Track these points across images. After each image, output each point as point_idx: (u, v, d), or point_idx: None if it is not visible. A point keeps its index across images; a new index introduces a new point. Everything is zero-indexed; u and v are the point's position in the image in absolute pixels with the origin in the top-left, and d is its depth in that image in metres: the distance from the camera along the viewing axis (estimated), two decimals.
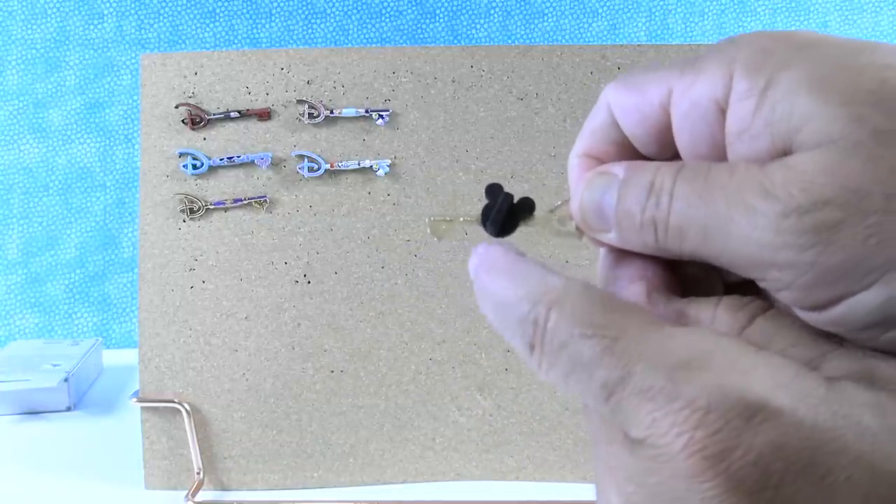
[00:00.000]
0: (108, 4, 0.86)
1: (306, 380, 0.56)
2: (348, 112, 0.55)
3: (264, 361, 0.56)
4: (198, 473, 0.55)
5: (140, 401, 0.55)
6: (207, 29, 0.87)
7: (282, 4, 0.87)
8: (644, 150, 0.22)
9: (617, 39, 0.89)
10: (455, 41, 0.89)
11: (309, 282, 0.56)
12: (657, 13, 0.89)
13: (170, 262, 0.55)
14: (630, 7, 0.89)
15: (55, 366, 0.72)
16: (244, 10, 0.87)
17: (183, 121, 0.55)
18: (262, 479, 0.56)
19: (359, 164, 0.55)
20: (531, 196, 0.25)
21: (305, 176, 0.55)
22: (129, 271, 0.88)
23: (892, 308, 0.17)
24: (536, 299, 0.20)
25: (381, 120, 0.55)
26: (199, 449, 0.55)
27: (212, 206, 0.55)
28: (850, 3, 0.90)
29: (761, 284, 0.19)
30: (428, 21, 0.88)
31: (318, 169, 0.55)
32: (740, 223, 0.18)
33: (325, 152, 0.56)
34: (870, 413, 0.17)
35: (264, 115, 0.55)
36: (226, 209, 0.56)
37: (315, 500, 0.55)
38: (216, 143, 0.55)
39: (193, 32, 0.87)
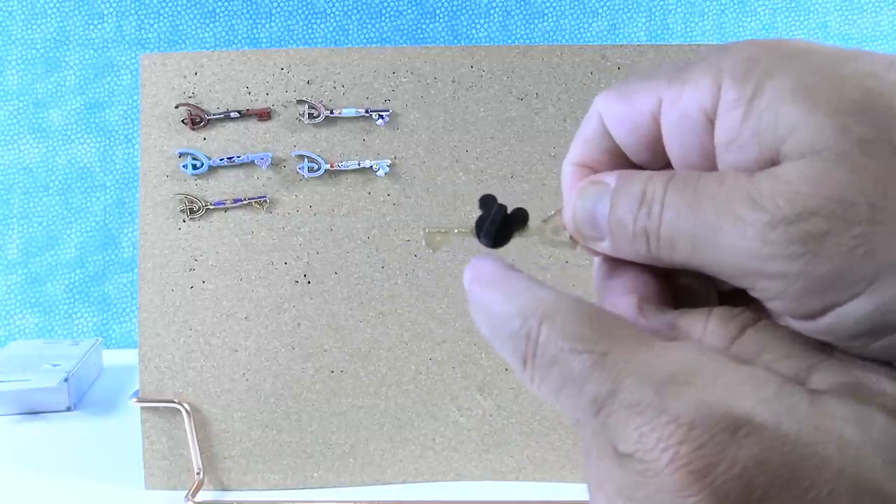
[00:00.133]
0: (108, 4, 0.86)
1: (306, 380, 0.56)
2: (348, 112, 0.55)
3: (264, 361, 0.56)
4: (198, 473, 0.55)
5: (140, 401, 0.56)
6: (207, 29, 0.87)
7: (282, 4, 0.87)
8: (636, 159, 0.23)
9: (617, 39, 0.89)
10: (455, 41, 0.89)
11: (309, 282, 0.56)
12: (657, 13, 0.89)
13: (170, 262, 0.55)
14: (630, 7, 0.89)
15: (55, 366, 0.72)
16: (244, 10, 0.87)
17: (183, 121, 0.55)
18: (262, 479, 0.56)
19: (359, 165, 0.55)
20: (531, 196, 0.25)
21: (305, 176, 0.55)
22: (129, 271, 0.88)
23: (881, 317, 0.17)
24: (528, 314, 0.20)
25: (381, 120, 0.55)
26: (199, 449, 0.55)
27: (212, 206, 0.55)
28: (850, 3, 0.90)
29: (752, 293, 0.19)
30: (428, 21, 0.89)
31: (318, 169, 0.55)
32: (729, 233, 0.18)
33: (325, 152, 0.56)
34: (852, 427, 0.17)
35: (264, 115, 0.55)
36: (226, 209, 0.56)
37: (315, 500, 0.55)
38: (216, 143, 0.55)
39: (193, 32, 0.87)
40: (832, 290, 0.17)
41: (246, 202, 0.55)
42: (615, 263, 0.22)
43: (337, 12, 0.88)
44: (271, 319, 0.56)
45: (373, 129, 0.56)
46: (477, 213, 0.25)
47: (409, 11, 0.88)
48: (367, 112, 0.55)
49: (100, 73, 0.86)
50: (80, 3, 0.85)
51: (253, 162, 0.55)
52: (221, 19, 0.87)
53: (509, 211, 0.25)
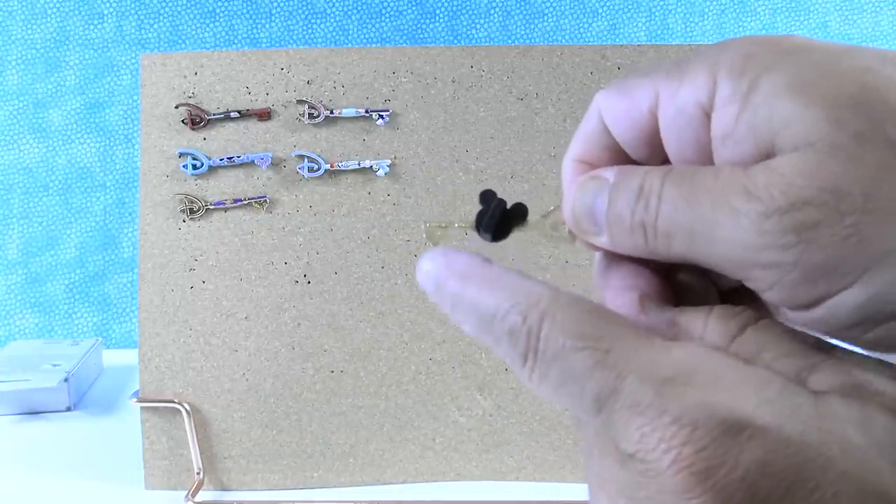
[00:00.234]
0: (108, 4, 0.86)
1: (306, 380, 0.56)
2: (348, 112, 0.55)
3: (264, 361, 0.56)
4: (198, 473, 0.55)
5: (140, 401, 0.55)
6: (207, 29, 0.87)
7: (282, 4, 0.87)
8: (635, 155, 0.23)
9: (617, 39, 0.89)
10: (455, 41, 0.89)
11: (309, 282, 0.56)
12: (657, 13, 0.89)
13: (170, 262, 0.55)
14: (630, 7, 0.89)
15: (55, 366, 0.72)
16: (244, 10, 0.87)
17: (183, 121, 0.55)
18: (262, 479, 0.56)
19: (359, 165, 0.55)
20: (531, 196, 0.25)
21: (305, 176, 0.55)
22: (129, 271, 0.88)
23: (874, 306, 0.17)
24: (525, 309, 0.20)
25: (381, 120, 0.55)
26: (199, 449, 0.55)
27: (212, 207, 0.55)
28: (850, 3, 0.90)
29: (748, 284, 0.19)
30: (428, 21, 0.89)
31: (318, 169, 0.55)
32: (725, 225, 0.18)
33: (325, 152, 0.56)
34: (855, 428, 0.17)
35: (264, 115, 0.55)
36: (226, 209, 0.56)
37: (315, 500, 0.55)
38: (216, 143, 0.55)
39: (193, 32, 0.87)
40: (826, 279, 0.17)
41: (246, 202, 0.55)
42: (616, 260, 0.22)
43: (337, 12, 0.88)
44: (271, 319, 0.56)
45: (373, 129, 0.56)
46: (477, 211, 0.25)
47: (409, 11, 0.88)
48: (367, 112, 0.55)
49: (100, 73, 0.86)
50: (80, 3, 0.85)
51: (253, 162, 0.55)
52: (221, 19, 0.87)
53: (509, 206, 0.25)
